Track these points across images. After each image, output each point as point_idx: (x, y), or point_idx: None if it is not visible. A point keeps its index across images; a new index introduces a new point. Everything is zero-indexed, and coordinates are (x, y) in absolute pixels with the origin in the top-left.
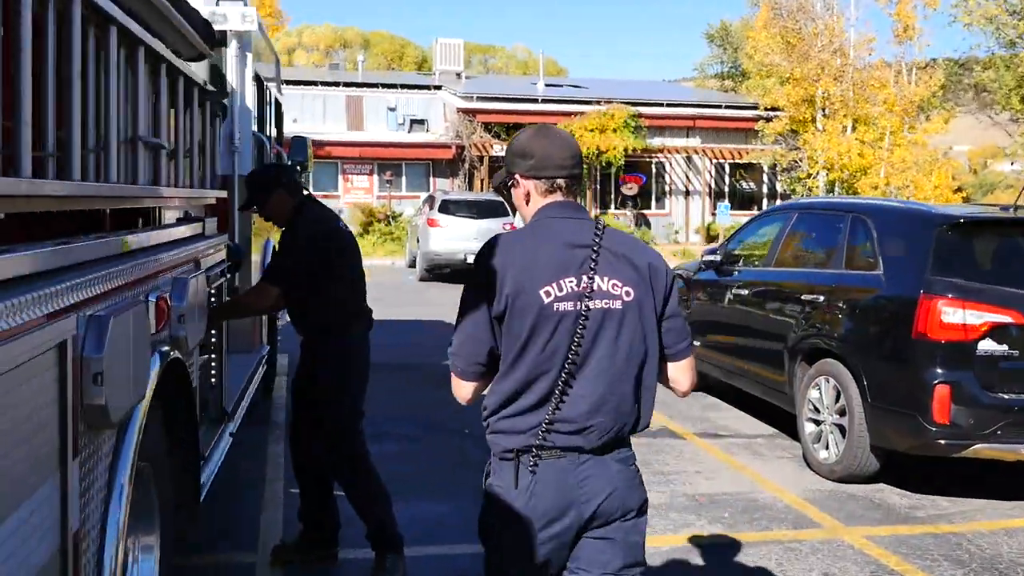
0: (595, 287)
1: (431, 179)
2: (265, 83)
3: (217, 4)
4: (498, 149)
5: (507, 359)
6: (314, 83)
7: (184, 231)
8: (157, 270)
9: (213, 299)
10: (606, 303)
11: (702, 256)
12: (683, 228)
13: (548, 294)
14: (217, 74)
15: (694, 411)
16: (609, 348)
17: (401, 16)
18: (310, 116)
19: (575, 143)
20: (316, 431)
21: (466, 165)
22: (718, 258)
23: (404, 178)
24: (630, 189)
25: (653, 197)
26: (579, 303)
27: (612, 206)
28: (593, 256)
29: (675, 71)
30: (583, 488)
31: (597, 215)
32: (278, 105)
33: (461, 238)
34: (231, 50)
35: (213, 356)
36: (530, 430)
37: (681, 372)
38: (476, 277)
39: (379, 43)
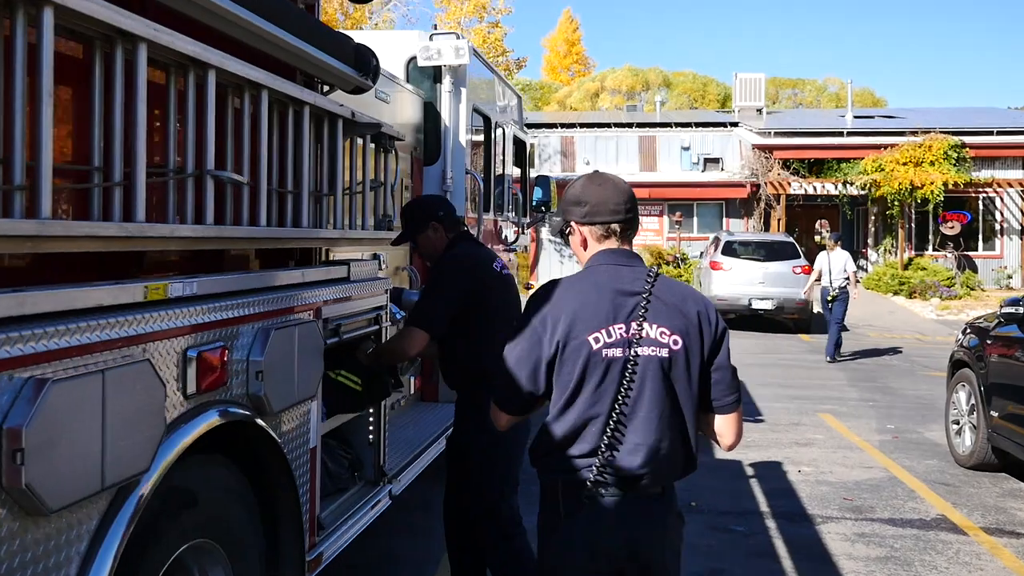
0: (643, 334)
1: (724, 219)
2: (495, 121)
3: (431, 39)
4: (796, 187)
5: (557, 404)
6: (607, 125)
7: (296, 276)
8: (198, 322)
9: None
10: (653, 350)
11: (1001, 307)
12: (1017, 271)
13: (597, 340)
14: (432, 112)
15: (987, 498)
16: (657, 396)
17: (703, 54)
18: (603, 158)
19: (628, 188)
20: (465, 497)
21: (761, 204)
22: None
23: (695, 218)
24: (951, 228)
25: (980, 237)
26: (627, 350)
27: (929, 247)
28: (643, 303)
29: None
30: (632, 531)
31: (654, 265)
32: (519, 144)
33: (745, 282)
34: (444, 85)
35: (371, 411)
36: (583, 470)
37: (727, 426)
38: (527, 321)
39: (681, 83)
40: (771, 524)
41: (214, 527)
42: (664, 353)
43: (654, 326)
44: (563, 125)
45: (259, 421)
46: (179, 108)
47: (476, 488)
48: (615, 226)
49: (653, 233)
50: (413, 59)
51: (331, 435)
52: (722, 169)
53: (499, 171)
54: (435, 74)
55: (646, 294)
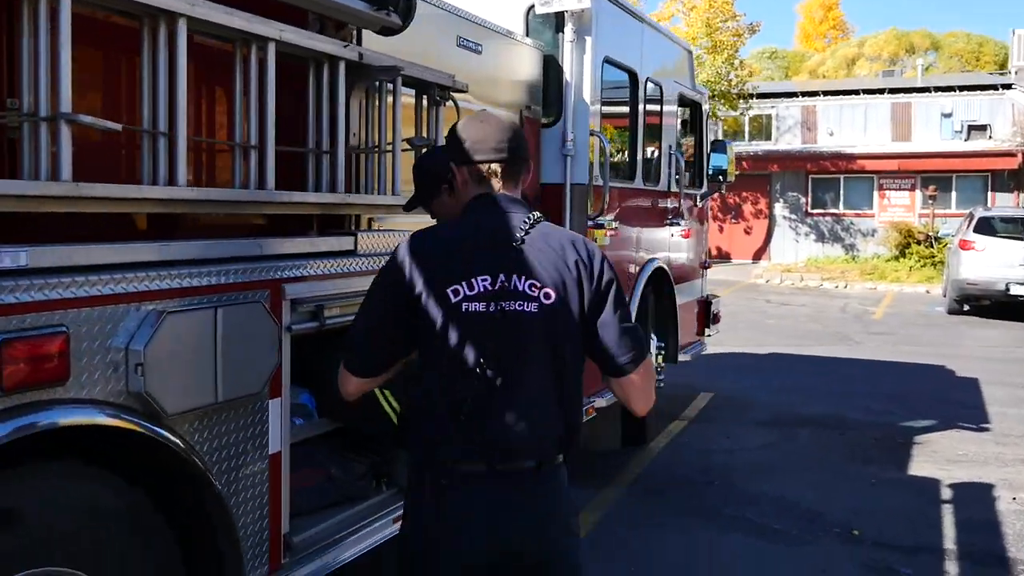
0: (512, 287)
1: (988, 193)
2: (644, 77)
3: None
4: None
5: (419, 367)
6: (855, 92)
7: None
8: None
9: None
10: (521, 305)
11: None
12: None
13: (456, 293)
14: (552, 67)
15: None
16: (527, 356)
17: (978, 11)
18: (849, 127)
19: (513, 126)
20: None
21: None
22: None
23: (953, 193)
24: None
25: None
26: (491, 304)
27: None
28: (513, 253)
29: None
30: (499, 517)
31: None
32: (691, 105)
33: (1002, 264)
34: (566, 35)
35: None
36: (443, 446)
37: (627, 391)
38: (383, 275)
39: (950, 45)
40: (952, 568)
41: (62, 554)
42: (533, 308)
43: (523, 278)
44: (804, 93)
45: (141, 426)
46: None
47: None
48: (495, 166)
49: (903, 209)
50: (531, 7)
51: (345, 432)
52: (989, 137)
53: (651, 134)
54: (558, 23)
55: (517, 242)
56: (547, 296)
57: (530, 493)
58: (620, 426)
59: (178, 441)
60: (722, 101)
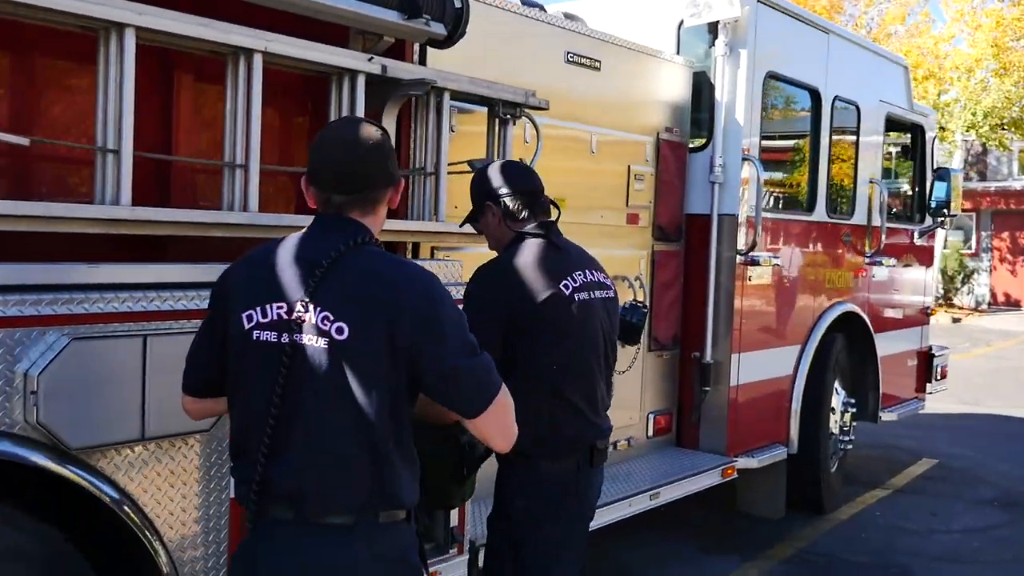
0: (305, 317)
1: None
2: (831, 95)
3: None
4: None
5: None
6: None
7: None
8: None
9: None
10: (311, 339)
11: None
12: None
13: (250, 319)
14: (703, 84)
15: None
16: (320, 398)
17: None
18: None
19: (362, 142)
20: None
21: None
22: None
23: None
24: None
25: None
26: (283, 335)
27: None
28: (312, 280)
29: None
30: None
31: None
32: (910, 128)
33: None
34: (717, 47)
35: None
36: (245, 488)
37: (482, 431)
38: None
39: None
40: None
41: None
42: (323, 344)
43: (318, 308)
44: None
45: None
46: None
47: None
48: (333, 197)
49: None
50: (682, 22)
51: None
52: None
53: (841, 161)
54: (712, 36)
55: (322, 268)
56: (340, 331)
57: (336, 551)
58: (785, 489)
59: (82, 479)
60: (1013, 129)
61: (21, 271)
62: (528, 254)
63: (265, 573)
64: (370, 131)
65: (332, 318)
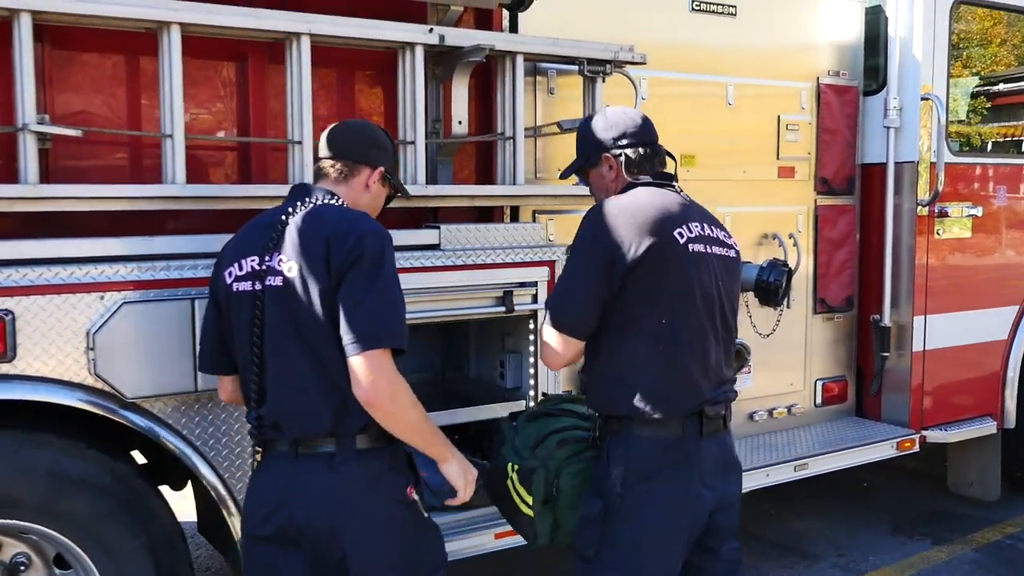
0: (270, 264)
1: None
2: None
3: None
4: None
5: None
6: None
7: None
8: None
9: None
10: (271, 280)
11: None
12: None
13: (230, 274)
14: (874, 21)
15: None
16: (281, 334)
17: None
18: None
19: (344, 129)
20: None
21: None
22: None
23: None
24: None
25: None
26: (255, 283)
27: None
28: (276, 232)
29: None
30: (288, 492)
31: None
32: None
33: None
34: None
35: None
36: (251, 427)
37: (353, 372)
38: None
39: None
40: None
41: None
42: (279, 282)
43: (276, 254)
44: None
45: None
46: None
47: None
48: (324, 162)
49: None
50: None
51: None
52: None
53: None
54: None
55: (283, 222)
56: (290, 269)
57: (315, 472)
58: (999, 467)
59: (141, 426)
60: None
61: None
62: (642, 198)
63: (266, 501)
64: (368, 124)
65: (285, 259)
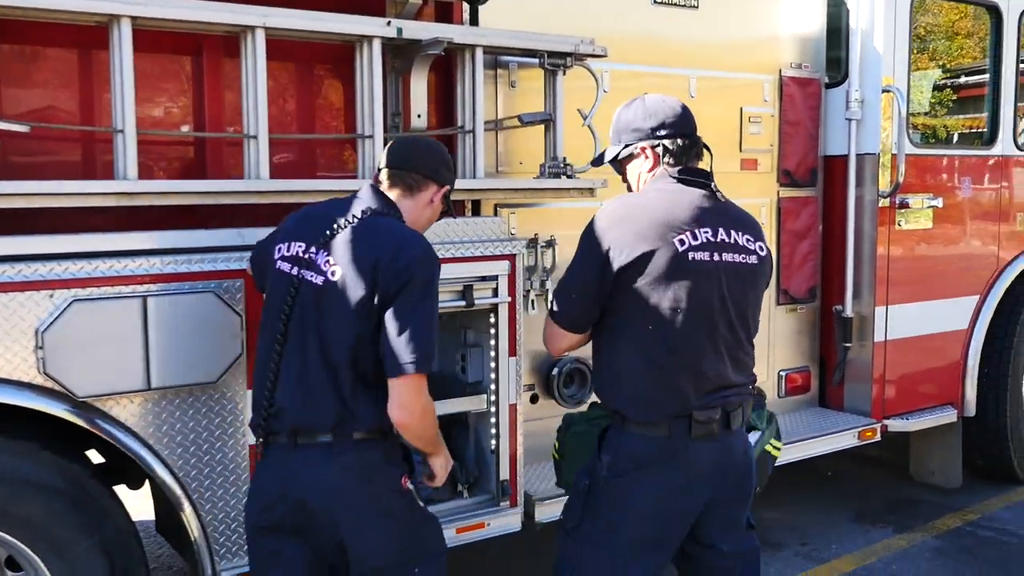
0: (312, 257)
1: None
2: (1021, 14)
3: None
4: None
5: None
6: None
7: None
8: None
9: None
10: (312, 275)
11: None
12: None
13: (279, 251)
14: (836, 12)
15: None
16: (304, 326)
17: None
18: None
19: (418, 143)
20: None
21: None
22: None
23: None
24: None
25: None
26: (295, 268)
27: None
28: (331, 230)
29: None
30: (287, 482)
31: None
32: None
33: None
34: None
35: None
36: (257, 415)
37: (394, 392)
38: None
39: None
40: None
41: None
42: (319, 280)
43: (325, 254)
44: None
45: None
46: None
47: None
48: (383, 169)
49: None
50: None
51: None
52: None
53: None
54: None
55: (342, 223)
56: (334, 273)
57: (316, 461)
58: (960, 456)
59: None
60: None
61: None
62: (655, 199)
63: (267, 492)
64: (438, 143)
65: (332, 262)
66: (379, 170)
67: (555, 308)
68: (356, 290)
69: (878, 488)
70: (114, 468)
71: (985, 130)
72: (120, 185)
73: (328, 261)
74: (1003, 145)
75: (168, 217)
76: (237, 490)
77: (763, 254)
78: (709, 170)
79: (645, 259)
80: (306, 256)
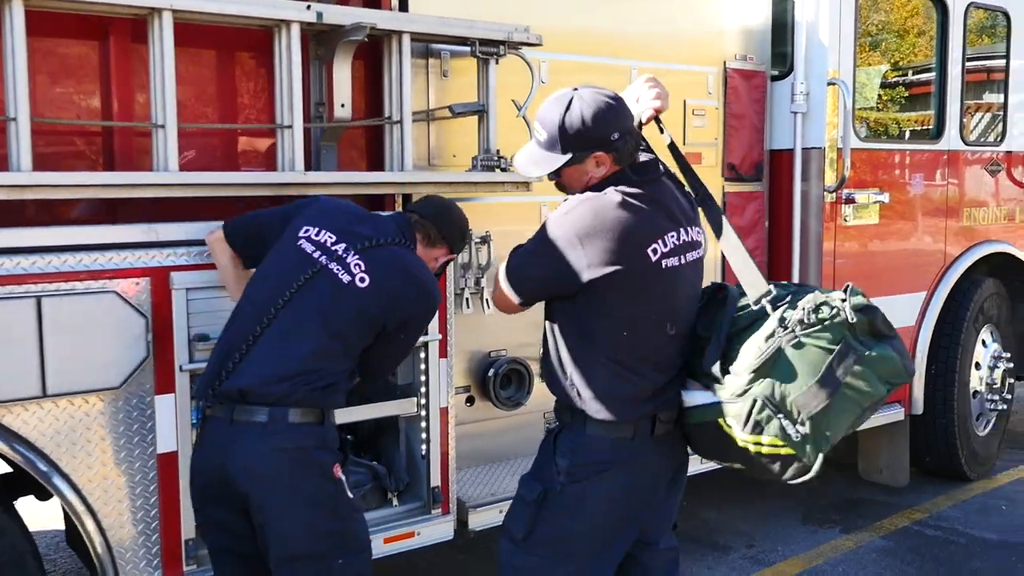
0: (342, 254)
1: None
2: (967, 6)
3: None
4: None
5: None
6: None
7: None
8: None
9: None
10: (339, 270)
11: None
12: None
13: (305, 232)
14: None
15: None
16: (309, 312)
17: None
18: None
19: (453, 209)
20: None
21: None
22: None
23: None
24: None
25: None
26: (320, 254)
27: None
28: (373, 241)
29: None
30: (223, 460)
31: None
32: None
33: None
34: None
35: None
36: (209, 380)
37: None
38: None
39: None
40: None
41: None
42: (345, 279)
43: (357, 256)
44: None
45: None
46: None
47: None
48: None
49: None
50: None
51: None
52: None
53: (988, 82)
54: None
55: (382, 240)
56: (362, 280)
57: (246, 443)
58: (907, 454)
59: None
60: None
61: None
62: (622, 212)
63: (203, 471)
64: (463, 213)
65: (364, 268)
66: (411, 211)
67: (510, 276)
68: (374, 309)
69: (826, 488)
70: (19, 479)
71: (933, 125)
72: (13, 177)
73: (360, 266)
74: (950, 140)
75: (75, 212)
76: (145, 502)
77: (703, 240)
78: (654, 155)
79: (618, 275)
80: (335, 249)
